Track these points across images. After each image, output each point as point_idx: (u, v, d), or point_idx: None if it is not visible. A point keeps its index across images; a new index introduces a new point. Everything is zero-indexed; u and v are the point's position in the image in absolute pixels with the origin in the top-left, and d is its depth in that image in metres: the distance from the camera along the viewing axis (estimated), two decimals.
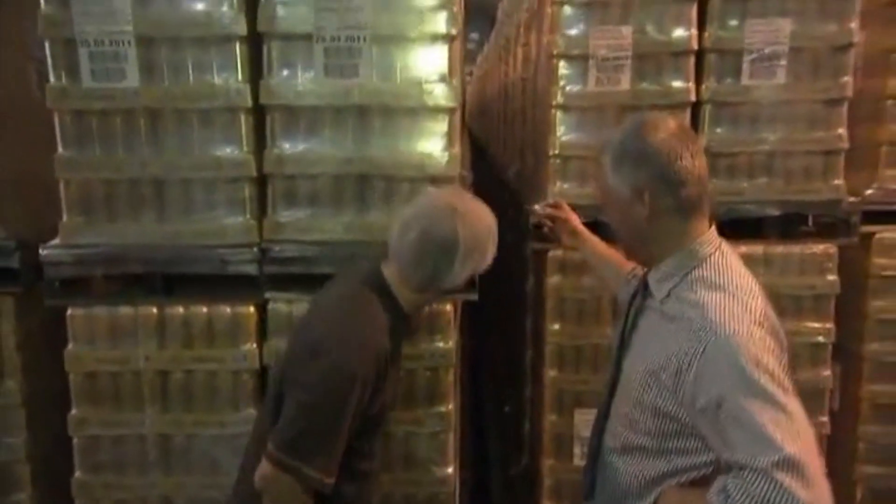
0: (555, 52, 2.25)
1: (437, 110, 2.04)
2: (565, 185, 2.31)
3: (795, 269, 2.32)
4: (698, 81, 2.27)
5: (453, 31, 2.01)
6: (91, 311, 2.07)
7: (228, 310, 2.07)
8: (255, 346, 2.07)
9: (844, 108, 2.29)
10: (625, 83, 2.24)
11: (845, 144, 2.30)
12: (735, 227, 2.02)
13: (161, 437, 2.10)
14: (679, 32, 2.23)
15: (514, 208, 2.80)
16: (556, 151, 2.30)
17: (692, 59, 2.25)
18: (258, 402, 2.06)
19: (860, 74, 2.34)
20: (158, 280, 2.10)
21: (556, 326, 2.36)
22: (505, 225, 1.86)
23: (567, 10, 2.24)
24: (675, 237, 1.46)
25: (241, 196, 2.07)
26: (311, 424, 1.58)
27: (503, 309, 3.53)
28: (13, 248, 2.12)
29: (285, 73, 2.02)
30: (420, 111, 2.04)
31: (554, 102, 2.28)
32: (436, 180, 2.06)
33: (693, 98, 2.26)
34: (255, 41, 2.02)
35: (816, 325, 2.35)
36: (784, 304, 2.27)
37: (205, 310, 2.07)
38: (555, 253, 2.34)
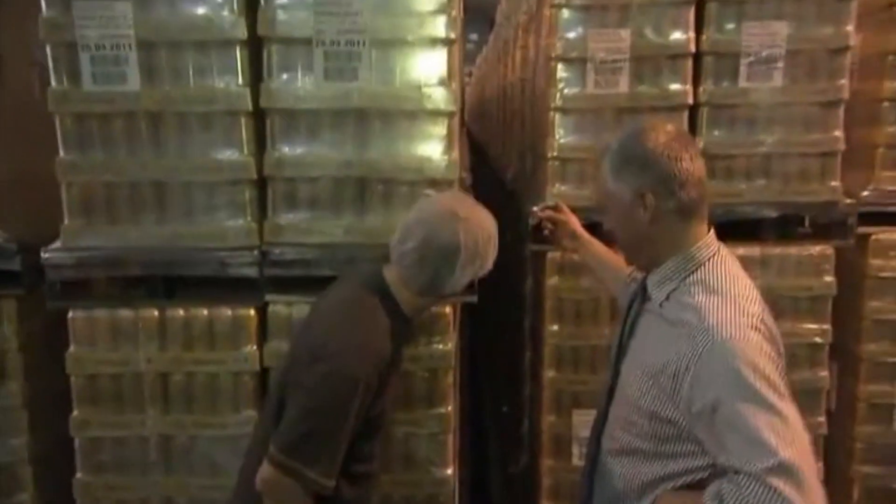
0: (553, 55, 2.26)
1: (436, 114, 2.05)
2: (564, 187, 2.32)
3: (792, 271, 2.34)
4: (696, 84, 2.28)
5: (452, 35, 2.02)
6: (92, 314, 2.08)
7: (229, 312, 2.08)
8: (255, 348, 2.08)
9: (841, 111, 2.31)
10: (623, 86, 2.25)
11: (842, 146, 2.31)
12: (733, 229, 2.02)
13: (162, 439, 2.11)
14: (676, 35, 2.24)
15: (512, 209, 2.81)
16: (555, 153, 2.31)
17: (689, 62, 2.26)
18: (258, 403, 2.07)
19: (856, 77, 2.36)
20: (159, 282, 2.11)
21: (555, 327, 2.38)
22: (504, 226, 1.88)
23: (565, 12, 2.24)
24: (675, 241, 1.47)
25: (242, 199, 2.08)
26: (313, 428, 1.59)
27: (502, 309, 3.54)
28: (15, 251, 2.13)
29: (285, 76, 2.03)
30: (419, 115, 2.05)
31: (552, 105, 2.29)
32: (435, 183, 2.06)
33: (691, 100, 2.27)
34: (255, 45, 2.03)
35: (813, 325, 2.36)
36: (781, 304, 2.29)
37: (205, 312, 2.08)
38: (553, 254, 2.35)
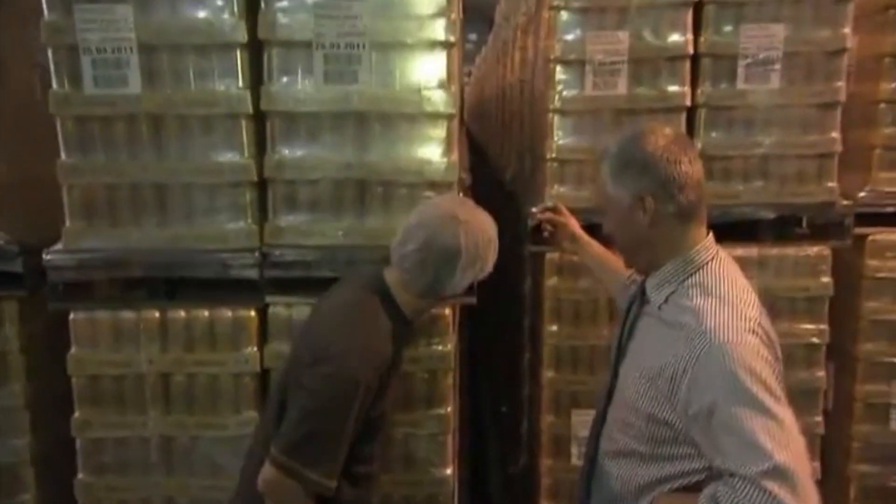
0: (552, 57, 2.27)
1: (435, 116, 2.06)
2: (562, 189, 2.33)
3: (790, 271, 2.35)
4: (694, 86, 2.29)
5: (451, 38, 2.03)
6: (94, 315, 2.08)
7: (230, 313, 2.09)
8: (256, 349, 2.09)
9: (838, 112, 2.32)
10: (621, 87, 2.26)
11: (839, 148, 2.32)
12: (730, 230, 2.03)
13: (163, 439, 2.12)
14: (675, 37, 2.25)
15: (512, 210, 2.82)
16: (554, 155, 2.32)
17: (688, 64, 2.27)
18: (259, 404, 2.09)
19: (853, 79, 2.37)
20: (160, 284, 2.12)
21: (554, 328, 2.39)
22: (503, 226, 1.89)
23: (564, 14, 2.25)
24: (674, 243, 1.48)
25: (242, 201, 2.08)
26: (315, 429, 1.60)
27: (502, 310, 3.55)
28: (17, 253, 2.14)
29: (285, 79, 2.04)
30: (419, 117, 2.06)
31: (551, 106, 2.30)
32: (434, 186, 2.08)
33: (689, 102, 2.28)
34: (255, 48, 2.03)
35: (811, 326, 2.37)
36: (779, 305, 2.31)
37: (206, 313, 2.09)
38: (552, 255, 2.35)
